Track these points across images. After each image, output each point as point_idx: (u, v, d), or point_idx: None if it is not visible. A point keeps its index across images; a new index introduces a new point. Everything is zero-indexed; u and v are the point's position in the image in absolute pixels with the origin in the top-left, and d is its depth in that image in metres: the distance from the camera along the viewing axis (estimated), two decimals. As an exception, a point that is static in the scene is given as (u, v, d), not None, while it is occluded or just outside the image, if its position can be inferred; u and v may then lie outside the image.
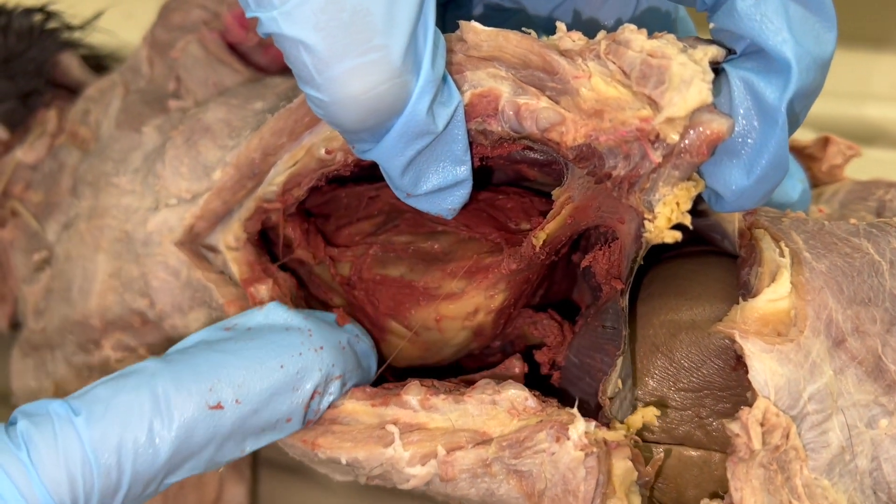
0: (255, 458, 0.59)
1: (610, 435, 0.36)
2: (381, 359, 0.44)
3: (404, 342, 0.44)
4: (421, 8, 0.33)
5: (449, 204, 0.38)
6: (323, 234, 0.47)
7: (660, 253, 0.45)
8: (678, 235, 0.34)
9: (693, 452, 0.40)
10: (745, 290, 0.39)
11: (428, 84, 0.34)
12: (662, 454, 0.39)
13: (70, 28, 0.61)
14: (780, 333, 0.37)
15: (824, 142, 0.51)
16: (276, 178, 0.42)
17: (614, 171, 0.35)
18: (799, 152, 0.51)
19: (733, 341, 0.37)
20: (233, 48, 0.54)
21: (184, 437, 0.34)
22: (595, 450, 0.35)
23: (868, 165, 0.56)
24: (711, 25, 0.36)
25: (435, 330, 0.43)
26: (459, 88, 0.36)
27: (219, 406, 0.35)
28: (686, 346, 0.40)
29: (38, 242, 0.55)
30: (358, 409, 0.39)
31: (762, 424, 0.36)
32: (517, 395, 0.37)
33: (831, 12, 0.34)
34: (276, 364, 0.36)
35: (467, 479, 0.37)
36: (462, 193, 0.38)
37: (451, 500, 0.39)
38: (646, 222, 0.35)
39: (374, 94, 0.33)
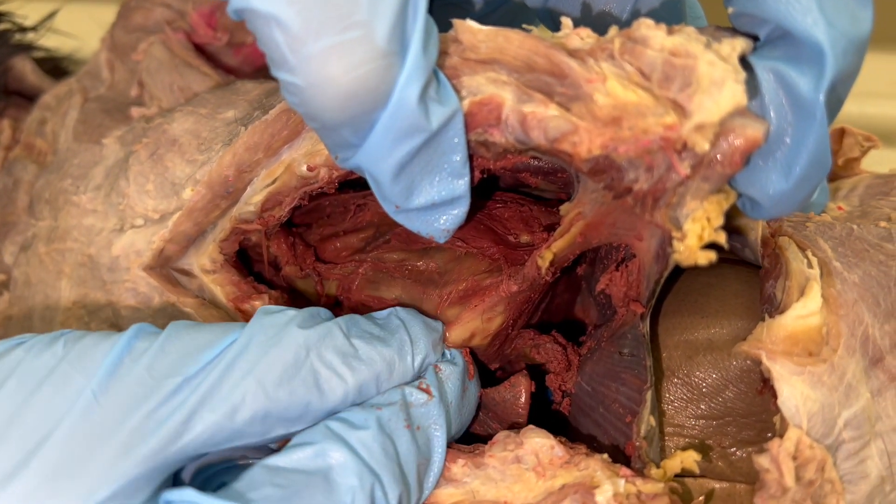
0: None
1: (647, 487, 0.32)
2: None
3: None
4: None
5: (443, 224, 0.34)
6: (310, 246, 0.43)
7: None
8: (713, 257, 0.31)
9: (716, 485, 0.37)
10: (770, 306, 0.35)
11: (417, 69, 0.30)
12: (703, 498, 0.35)
13: (23, 30, 0.57)
14: (812, 353, 0.34)
15: (840, 133, 0.47)
16: (254, 197, 0.38)
17: (635, 184, 0.31)
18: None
19: (759, 363, 0.34)
20: (200, 49, 0.50)
21: None
22: None
23: (880, 166, 0.52)
24: (730, 10, 0.32)
25: None
26: (457, 94, 0.32)
27: None
28: (705, 370, 0.37)
29: (-5, 265, 0.51)
30: None
31: (795, 458, 0.32)
32: (541, 444, 0.34)
33: None
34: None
35: None
36: (458, 213, 0.34)
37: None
38: (674, 242, 0.31)
39: (354, 77, 0.29)
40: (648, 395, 0.34)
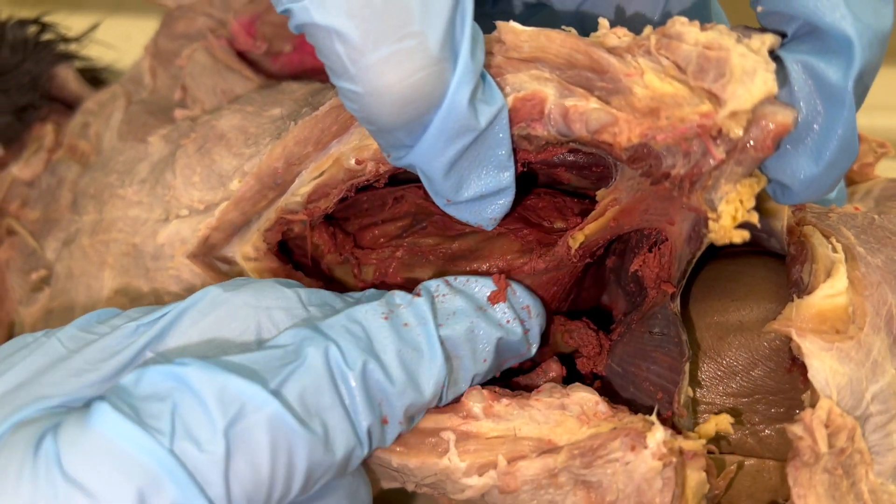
0: None
1: (688, 444, 0.34)
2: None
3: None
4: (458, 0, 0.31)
5: (490, 213, 0.36)
6: (349, 234, 0.45)
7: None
8: (746, 235, 0.33)
9: (746, 461, 0.38)
10: (797, 289, 0.37)
11: (467, 73, 0.32)
12: (735, 466, 0.37)
13: (66, 40, 0.59)
14: (839, 331, 0.35)
15: (855, 140, 0.49)
16: (301, 188, 0.40)
17: (673, 170, 0.33)
18: (829, 152, 0.50)
19: (789, 340, 0.35)
20: (241, 56, 0.52)
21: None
22: (673, 459, 0.33)
23: (892, 173, 0.54)
24: (759, 9, 0.34)
25: None
26: (501, 91, 0.35)
27: (385, 421, 0.33)
28: (735, 349, 0.38)
29: (36, 261, 0.53)
30: None
31: (826, 426, 0.34)
32: (587, 398, 0.35)
33: None
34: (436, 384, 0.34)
35: (530, 490, 0.34)
36: (504, 202, 0.36)
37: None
38: (710, 222, 0.33)
39: (410, 83, 0.31)
40: (686, 367, 0.36)
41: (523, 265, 0.40)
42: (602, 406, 0.35)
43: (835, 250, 0.37)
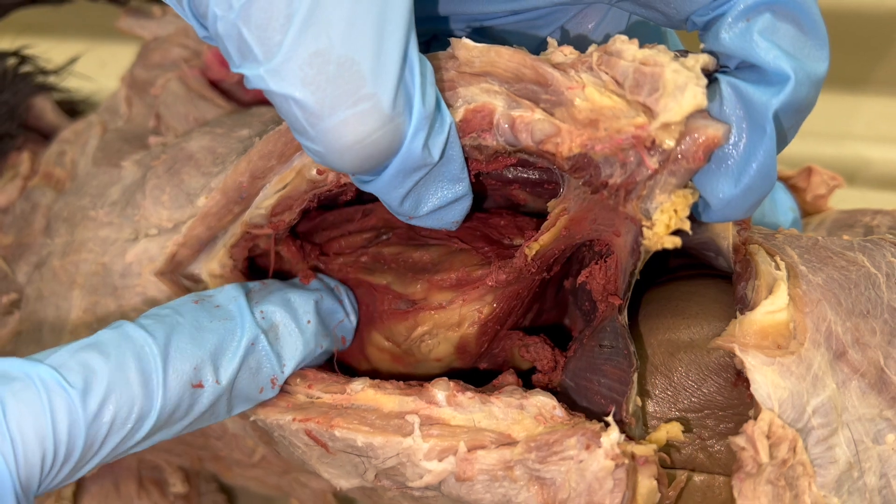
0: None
1: (640, 449, 0.35)
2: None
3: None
4: (406, 51, 0.33)
5: (451, 217, 0.38)
6: (316, 245, 0.46)
7: (655, 276, 0.44)
8: (678, 241, 0.34)
9: (696, 476, 0.38)
10: (742, 305, 0.38)
11: (422, 122, 0.33)
12: (685, 477, 0.37)
13: (44, 72, 0.61)
14: (780, 346, 0.36)
15: (808, 172, 0.51)
16: (265, 201, 0.41)
17: (610, 179, 0.35)
18: (783, 183, 0.51)
19: (733, 355, 0.36)
20: (214, 86, 0.54)
21: (165, 417, 0.35)
22: (626, 461, 0.34)
23: (844, 204, 0.56)
24: (702, 46, 0.36)
25: (416, 339, 0.42)
26: (453, 105, 0.36)
27: (200, 385, 0.36)
28: (685, 366, 0.39)
29: (6, 285, 0.53)
30: (379, 397, 0.38)
31: (768, 437, 0.34)
32: (545, 402, 0.37)
33: (823, 32, 0.34)
34: (247, 343, 0.38)
35: (485, 481, 0.35)
36: (463, 206, 0.38)
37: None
38: (644, 230, 0.34)
39: (368, 142, 0.32)
40: (635, 377, 0.37)
41: (483, 276, 0.41)
42: (559, 410, 0.36)
43: (778, 268, 0.38)
